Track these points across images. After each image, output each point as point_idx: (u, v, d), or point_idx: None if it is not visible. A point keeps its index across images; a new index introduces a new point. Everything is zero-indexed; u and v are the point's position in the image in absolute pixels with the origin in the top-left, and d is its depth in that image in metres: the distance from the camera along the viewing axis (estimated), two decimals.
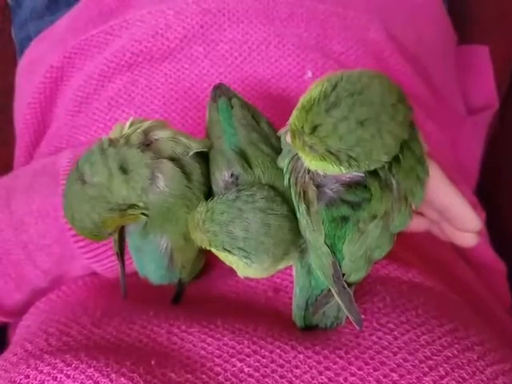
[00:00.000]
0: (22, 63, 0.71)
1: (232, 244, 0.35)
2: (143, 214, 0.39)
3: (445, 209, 0.38)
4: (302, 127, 0.30)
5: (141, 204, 0.38)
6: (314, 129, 0.30)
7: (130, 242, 0.43)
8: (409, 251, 0.52)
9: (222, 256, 0.37)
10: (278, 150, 0.39)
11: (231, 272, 0.40)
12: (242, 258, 0.36)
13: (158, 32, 0.58)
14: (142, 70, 0.59)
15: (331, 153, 0.30)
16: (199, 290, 0.48)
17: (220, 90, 0.42)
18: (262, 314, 0.44)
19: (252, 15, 0.58)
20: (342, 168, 0.31)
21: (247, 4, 0.58)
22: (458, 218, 0.39)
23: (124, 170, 0.38)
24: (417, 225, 0.45)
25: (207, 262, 0.48)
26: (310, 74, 0.58)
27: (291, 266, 0.41)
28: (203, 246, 0.37)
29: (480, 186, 0.82)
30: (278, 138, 0.40)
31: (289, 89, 0.58)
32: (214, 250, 0.37)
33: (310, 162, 0.33)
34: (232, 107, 0.41)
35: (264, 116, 0.42)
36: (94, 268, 0.50)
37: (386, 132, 0.30)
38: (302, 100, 0.31)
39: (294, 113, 0.32)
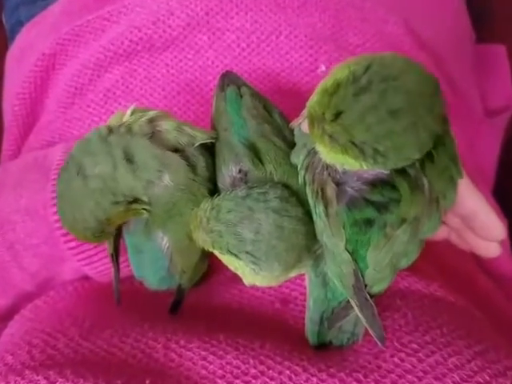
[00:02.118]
0: (12, 50, 0.68)
1: (239, 247, 0.32)
2: (145, 209, 0.37)
3: (470, 216, 0.36)
4: (323, 113, 0.27)
5: (145, 198, 0.36)
6: (338, 115, 0.27)
7: (129, 241, 0.41)
8: (427, 261, 0.48)
9: (227, 260, 0.35)
10: (291, 144, 0.36)
11: (235, 279, 0.38)
12: (249, 263, 0.33)
13: (160, 19, 0.55)
14: (141, 60, 0.56)
15: (355, 144, 0.27)
16: (199, 298, 0.46)
17: (228, 79, 0.39)
18: (268, 328, 0.40)
19: (262, 3, 0.55)
20: (366, 164, 0.28)
21: None
22: (483, 226, 0.36)
23: (130, 159, 0.35)
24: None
25: (209, 267, 0.45)
26: (323, 67, 0.55)
27: (302, 274, 0.39)
28: (205, 248, 0.35)
29: (495, 190, 0.79)
30: (292, 132, 0.37)
31: (300, 83, 0.55)
32: (217, 253, 0.34)
33: (328, 154, 0.29)
34: (241, 96, 0.38)
35: (276, 107, 0.39)
36: (85, 271, 0.47)
37: (422, 126, 0.27)
38: (324, 83, 0.28)
39: (314, 97, 0.28)
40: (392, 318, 0.38)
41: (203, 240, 0.34)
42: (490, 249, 0.38)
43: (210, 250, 0.34)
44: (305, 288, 0.42)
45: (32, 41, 0.64)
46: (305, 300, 0.41)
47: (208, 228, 0.33)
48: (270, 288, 0.44)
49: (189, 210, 0.36)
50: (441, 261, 0.51)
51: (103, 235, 0.38)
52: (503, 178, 0.81)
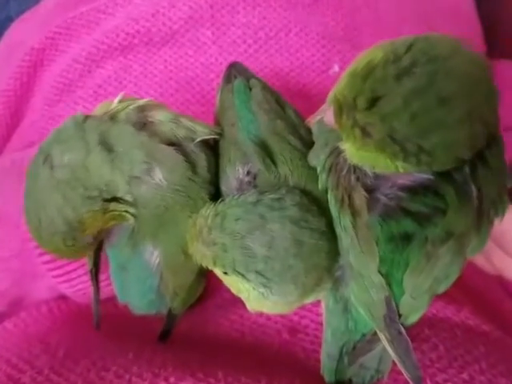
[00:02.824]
0: (0, 47, 0.65)
1: (247, 265, 0.28)
2: (129, 213, 0.32)
3: (503, 231, 0.32)
4: (355, 99, 0.23)
5: (128, 197, 0.31)
6: (374, 102, 0.23)
7: (112, 256, 0.37)
8: (452, 285, 0.44)
9: (229, 281, 0.30)
10: (309, 145, 0.32)
11: (235, 301, 0.35)
12: (258, 285, 0.28)
13: (160, 11, 0.52)
14: (138, 55, 0.53)
15: (394, 140, 0.23)
16: (193, 324, 0.42)
17: (236, 69, 0.36)
18: (275, 362, 0.36)
19: None
20: (405, 165, 0.24)
21: None
22: None
23: (107, 146, 0.31)
24: None
25: (205, 287, 0.42)
26: (336, 68, 0.52)
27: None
28: (204, 265, 0.30)
29: None
30: (309, 131, 0.33)
31: (311, 84, 0.52)
32: (218, 272, 0.30)
33: (357, 153, 0.25)
34: (251, 89, 0.34)
35: (290, 103, 0.35)
36: (61, 290, 0.43)
37: (477, 118, 0.23)
38: (354, 66, 0.24)
39: (342, 81, 0.24)
40: (420, 350, 0.35)
41: (202, 255, 0.29)
42: None
43: (211, 267, 0.30)
44: (317, 315, 0.38)
45: (22, 37, 0.61)
46: (316, 329, 0.38)
47: (209, 240, 0.28)
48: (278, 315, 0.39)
49: (185, 217, 0.31)
50: (467, 285, 0.47)
51: (78, 246, 0.32)
52: None
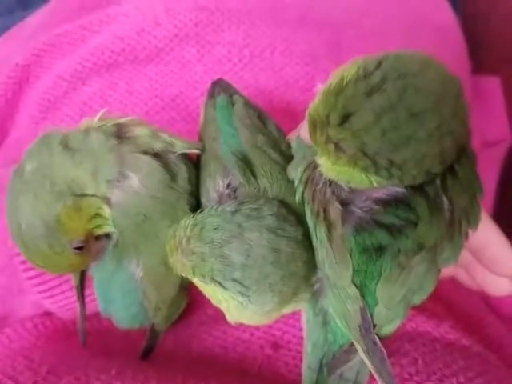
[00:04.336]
0: None
1: (225, 273, 0.27)
2: (105, 215, 0.32)
3: (481, 246, 0.33)
4: (328, 116, 0.23)
5: (99, 195, 0.31)
6: (346, 118, 0.23)
7: (95, 269, 0.37)
8: (434, 300, 0.45)
9: (209, 291, 0.30)
10: (289, 159, 0.32)
11: (217, 318, 0.35)
12: (236, 294, 0.28)
13: (145, 29, 0.52)
14: (123, 73, 0.53)
15: (365, 155, 0.23)
16: (176, 340, 0.41)
17: (220, 86, 0.36)
18: (258, 378, 0.36)
19: (256, 16, 0.52)
20: (377, 179, 0.24)
21: (251, 4, 0.52)
22: (495, 259, 0.33)
23: (68, 146, 0.31)
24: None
25: (188, 303, 0.41)
26: (320, 86, 0.50)
27: (296, 313, 0.35)
28: (184, 275, 0.30)
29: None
30: (289, 146, 0.33)
31: (295, 102, 0.51)
32: (197, 282, 0.30)
33: (332, 168, 0.25)
34: (233, 105, 0.34)
35: (272, 119, 0.35)
36: (45, 305, 0.42)
37: (447, 132, 0.23)
38: (328, 84, 0.24)
39: (317, 98, 0.24)
40: (400, 364, 0.34)
41: (182, 265, 0.29)
42: (500, 285, 0.35)
43: (190, 277, 0.29)
44: (299, 330, 0.38)
45: (7, 53, 0.60)
46: (299, 344, 0.37)
47: (188, 249, 0.28)
48: (259, 330, 0.39)
49: (165, 228, 0.31)
50: (448, 300, 0.47)
51: (61, 252, 0.31)
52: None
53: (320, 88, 0.51)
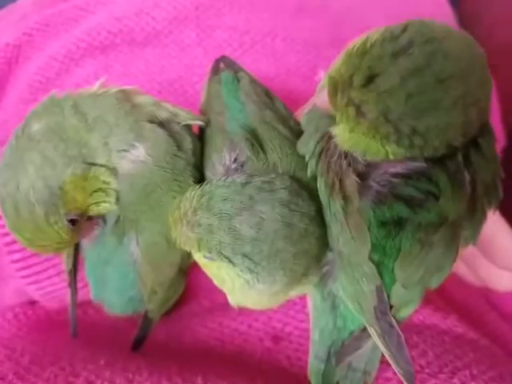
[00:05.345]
0: None
1: (234, 248, 0.26)
2: (111, 188, 0.30)
3: (488, 239, 0.33)
4: (351, 76, 0.22)
5: (109, 165, 0.29)
6: (370, 79, 0.22)
7: (91, 252, 0.35)
8: (436, 295, 0.44)
9: (212, 269, 0.28)
10: (298, 135, 0.30)
11: (214, 310, 0.34)
12: (245, 270, 0.26)
13: (143, 10, 0.50)
14: (119, 55, 0.50)
15: (388, 120, 0.22)
16: (170, 332, 0.40)
17: (224, 63, 0.34)
18: (257, 371, 0.34)
19: (257, 2, 0.51)
20: (396, 149, 0.23)
21: None
22: (501, 251, 0.33)
23: (81, 112, 0.29)
24: None
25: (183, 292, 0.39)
26: (322, 74, 0.50)
27: (297, 304, 0.34)
28: (188, 249, 0.28)
29: None
30: (298, 124, 0.32)
31: (297, 90, 0.50)
32: (200, 259, 0.28)
33: (349, 135, 0.24)
34: (239, 81, 0.33)
35: (278, 98, 0.34)
36: (29, 292, 0.40)
37: (472, 102, 0.22)
38: (350, 47, 0.23)
39: (338, 60, 0.23)
40: (410, 356, 0.33)
41: (186, 238, 0.27)
42: (504, 280, 0.35)
43: (194, 252, 0.28)
44: (300, 321, 0.37)
45: None
46: (300, 336, 0.36)
47: (194, 221, 0.26)
48: (258, 321, 0.38)
49: (171, 200, 0.29)
50: (451, 296, 0.46)
51: (58, 225, 0.29)
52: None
53: (322, 76, 0.50)
